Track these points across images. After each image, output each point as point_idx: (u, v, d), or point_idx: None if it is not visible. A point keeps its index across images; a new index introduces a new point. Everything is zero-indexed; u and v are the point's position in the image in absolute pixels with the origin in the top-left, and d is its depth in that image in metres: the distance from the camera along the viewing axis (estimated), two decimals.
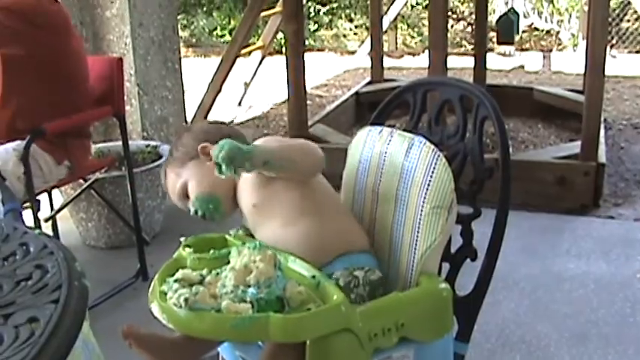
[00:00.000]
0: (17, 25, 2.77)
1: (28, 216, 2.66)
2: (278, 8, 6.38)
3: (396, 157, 1.70)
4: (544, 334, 2.77)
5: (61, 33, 2.94)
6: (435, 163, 1.61)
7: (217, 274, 1.50)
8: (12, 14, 2.76)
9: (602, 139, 4.28)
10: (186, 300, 1.36)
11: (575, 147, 4.25)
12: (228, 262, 1.52)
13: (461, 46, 9.97)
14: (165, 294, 1.45)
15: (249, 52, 6.72)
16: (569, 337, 2.75)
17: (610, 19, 7.25)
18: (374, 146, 1.79)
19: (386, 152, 1.74)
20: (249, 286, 1.39)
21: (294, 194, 1.69)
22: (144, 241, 3.42)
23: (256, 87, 7.09)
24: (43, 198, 3.29)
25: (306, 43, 6.59)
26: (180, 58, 4.66)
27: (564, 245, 3.56)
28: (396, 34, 10.20)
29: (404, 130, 1.84)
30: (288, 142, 1.86)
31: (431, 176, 1.60)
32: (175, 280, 1.47)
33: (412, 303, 1.57)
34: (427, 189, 1.60)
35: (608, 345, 2.68)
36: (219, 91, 6.11)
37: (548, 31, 9.92)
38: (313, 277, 1.49)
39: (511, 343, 2.72)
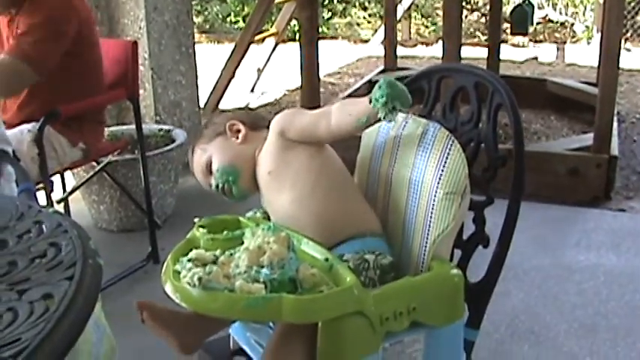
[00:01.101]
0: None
1: (41, 197, 2.68)
2: None
3: (410, 142, 1.70)
4: (553, 325, 2.77)
5: (88, 26, 2.95)
6: (450, 149, 1.60)
7: (231, 254, 1.50)
8: (46, 25, 2.77)
9: (614, 132, 4.27)
10: (199, 279, 1.36)
11: (588, 139, 4.25)
12: (242, 243, 1.52)
13: (474, 37, 9.94)
14: (179, 273, 1.45)
15: (263, 39, 6.73)
16: (578, 328, 2.75)
17: (625, 13, 7.22)
18: (388, 131, 1.79)
19: (400, 137, 1.74)
20: (262, 267, 1.39)
21: (310, 165, 1.70)
22: (155, 225, 3.43)
23: (269, 74, 7.09)
24: (56, 180, 3.31)
25: (320, 30, 6.57)
26: (194, 43, 4.66)
27: (575, 237, 3.55)
28: (410, 23, 10.18)
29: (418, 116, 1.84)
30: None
31: (445, 161, 1.60)
32: (189, 260, 1.47)
33: (424, 287, 1.57)
34: (441, 174, 1.59)
35: (617, 336, 2.68)
36: (233, 76, 6.12)
37: (562, 23, 9.89)
38: (326, 259, 1.49)
39: (520, 332, 2.72)
